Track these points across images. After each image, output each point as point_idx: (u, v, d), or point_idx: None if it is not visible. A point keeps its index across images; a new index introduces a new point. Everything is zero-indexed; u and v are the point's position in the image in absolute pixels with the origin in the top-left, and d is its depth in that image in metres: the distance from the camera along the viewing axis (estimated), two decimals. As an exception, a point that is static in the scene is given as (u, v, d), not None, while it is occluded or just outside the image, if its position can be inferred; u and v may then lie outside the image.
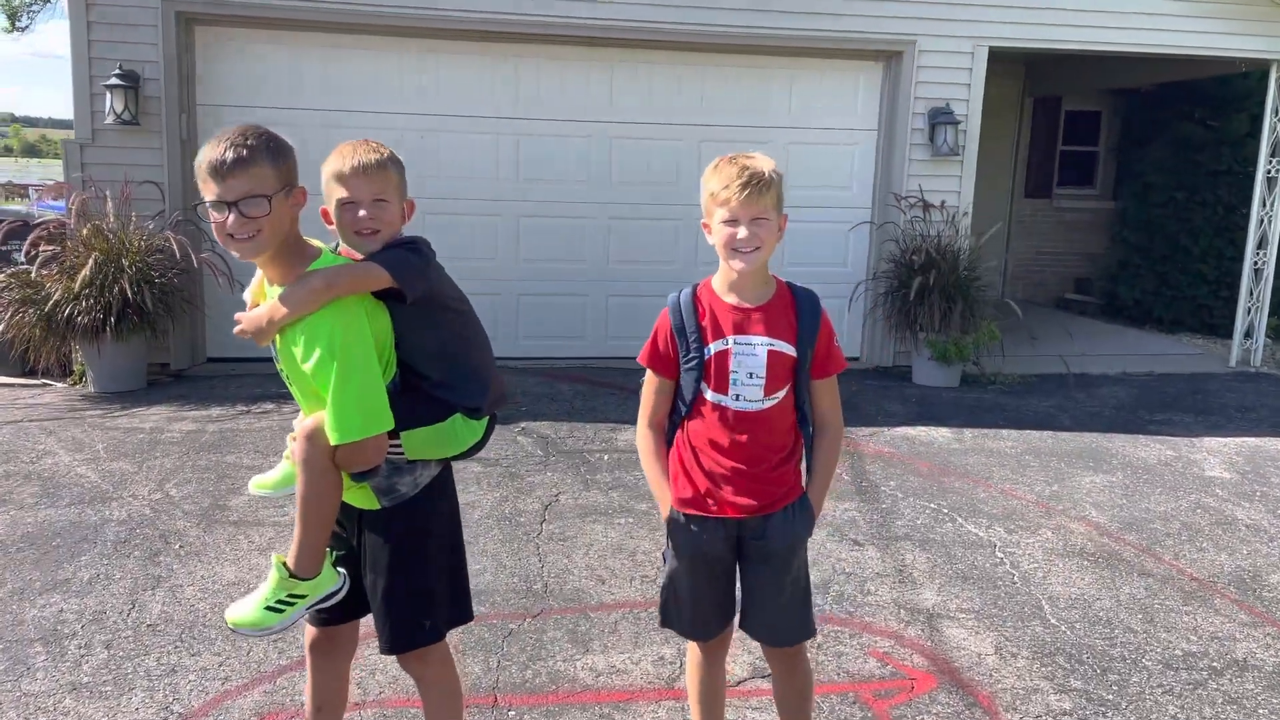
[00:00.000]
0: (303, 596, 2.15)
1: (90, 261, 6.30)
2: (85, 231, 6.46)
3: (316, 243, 2.22)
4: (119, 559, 4.05)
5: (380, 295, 2.18)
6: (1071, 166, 12.12)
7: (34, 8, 22.77)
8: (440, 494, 2.35)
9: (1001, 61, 8.18)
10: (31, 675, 3.17)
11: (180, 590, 3.80)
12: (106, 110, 6.71)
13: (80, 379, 6.75)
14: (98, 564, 3.99)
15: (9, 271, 6.47)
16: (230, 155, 1.99)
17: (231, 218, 2.01)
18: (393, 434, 2.15)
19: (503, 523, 4.52)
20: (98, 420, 6.00)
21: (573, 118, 7.69)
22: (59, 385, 6.75)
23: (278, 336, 2.15)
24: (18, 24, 23.04)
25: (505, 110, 7.59)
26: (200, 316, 7.19)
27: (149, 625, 3.52)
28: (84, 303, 6.27)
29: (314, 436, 2.10)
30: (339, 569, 2.25)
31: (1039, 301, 11.86)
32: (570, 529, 4.53)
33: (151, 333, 6.63)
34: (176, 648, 3.38)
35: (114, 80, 6.65)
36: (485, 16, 7.17)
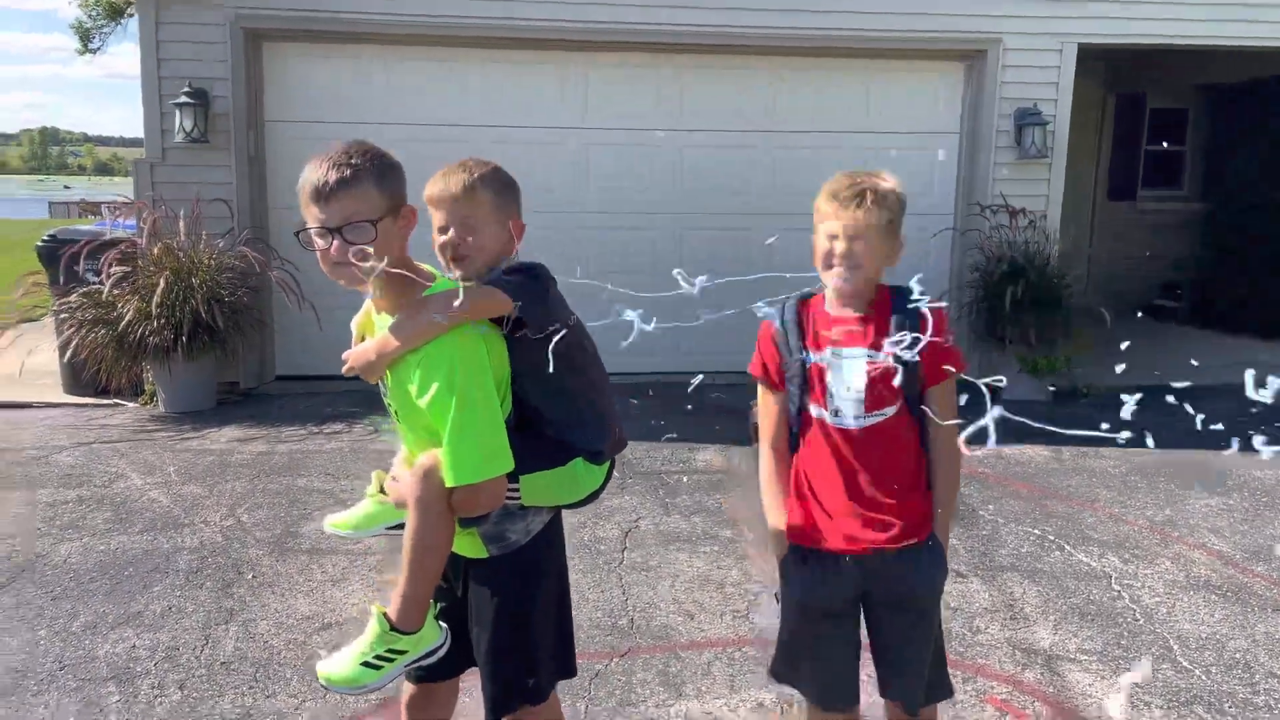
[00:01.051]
0: (403, 652, 1.95)
1: (162, 281, 6.26)
2: (156, 251, 6.43)
3: (428, 267, 2.03)
4: (191, 590, 3.93)
5: (496, 325, 2.00)
6: (1156, 167, 11.60)
7: (105, 30, 23.32)
8: (550, 543, 2.15)
9: (1082, 59, 7.80)
10: (104, 719, 3.04)
11: (254, 624, 3.65)
12: (176, 129, 6.69)
13: (151, 399, 6.73)
14: (170, 595, 3.88)
15: (81, 291, 6.46)
16: (333, 176, 1.81)
17: (336, 244, 1.83)
18: (510, 477, 1.96)
19: (582, 551, 4.32)
20: (168, 442, 5.94)
21: (642, 125, 7.50)
22: (130, 405, 6.73)
23: (387, 370, 1.97)
24: (89, 45, 23.63)
25: (574, 119, 7.43)
26: (269, 334, 7.13)
27: (222, 663, 3.38)
28: (155, 322, 6.23)
29: (431, 476, 1.91)
30: (441, 623, 2.05)
31: (1123, 308, 11.35)
32: (653, 558, 4.32)
33: (221, 352, 6.57)
34: (251, 688, 3.23)
35: (183, 98, 6.63)
36: (546, 24, 7.03)
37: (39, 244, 6.92)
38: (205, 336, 6.37)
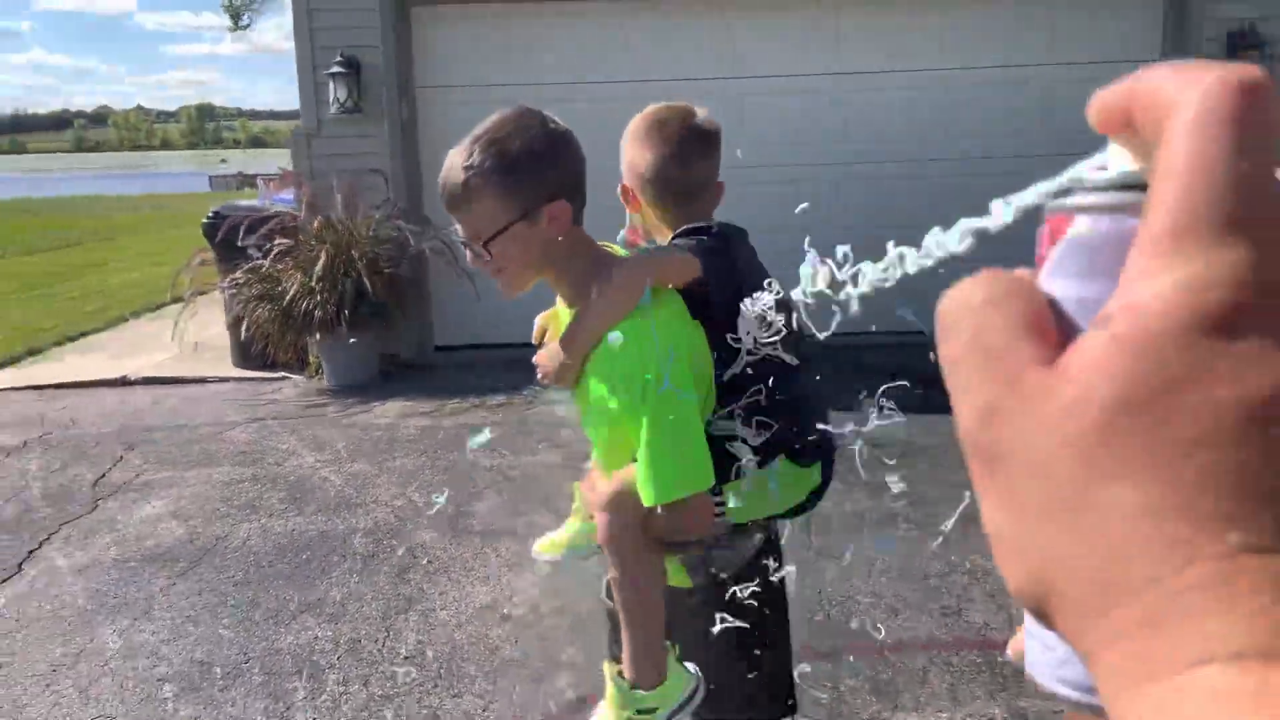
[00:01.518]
0: (654, 710, 1.68)
1: (323, 255, 6.26)
2: (316, 224, 6.42)
3: (614, 248, 1.74)
4: (368, 575, 3.84)
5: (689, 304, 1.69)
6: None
7: (253, 6, 24.09)
8: (767, 570, 1.84)
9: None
10: (291, 717, 2.95)
11: (433, 614, 3.52)
12: (330, 99, 6.64)
13: (316, 372, 6.78)
14: (348, 581, 3.79)
15: (246, 267, 6.52)
16: (448, 185, 1.54)
17: (470, 255, 1.61)
18: (712, 489, 1.64)
19: (765, 535, 4.03)
20: (336, 416, 5.95)
21: (801, 71, 7.03)
22: (297, 378, 6.80)
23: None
24: (240, 23, 24.49)
25: (731, 69, 7.03)
26: (428, 305, 7.08)
27: (405, 657, 3.25)
28: (317, 296, 6.24)
29: (618, 506, 1.62)
30: (688, 665, 1.76)
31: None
32: (842, 542, 3.98)
33: (382, 324, 6.54)
34: (436, 686, 3.09)
35: (336, 68, 6.56)
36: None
37: (204, 221, 7.03)
38: (366, 309, 6.34)
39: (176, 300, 6.98)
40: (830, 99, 7.07)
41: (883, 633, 3.30)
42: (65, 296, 11.04)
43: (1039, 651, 0.30)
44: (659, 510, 1.58)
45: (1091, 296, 0.27)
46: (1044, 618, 0.25)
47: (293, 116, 7.08)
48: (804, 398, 1.79)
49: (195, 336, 7.06)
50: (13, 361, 7.71)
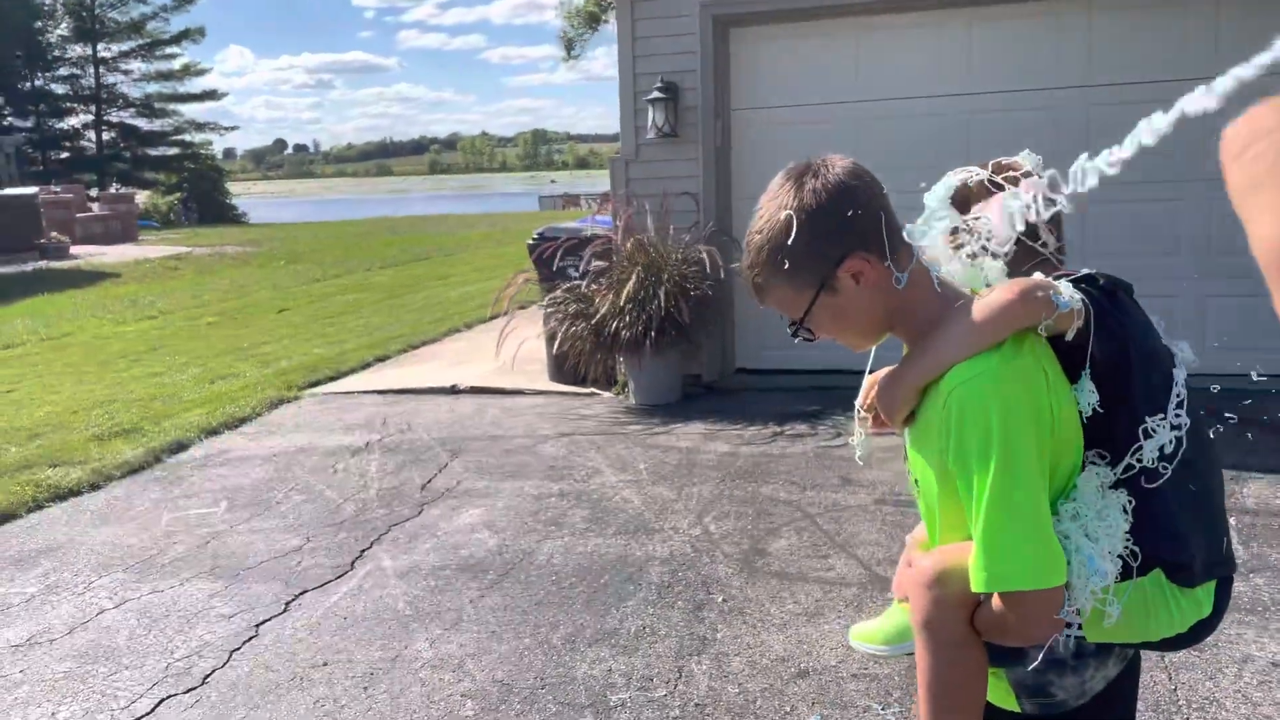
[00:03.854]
0: None
1: (633, 277, 6.37)
2: (629, 246, 6.56)
3: (976, 293, 1.46)
4: (663, 609, 3.76)
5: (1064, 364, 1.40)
6: None
7: (584, 37, 25.73)
8: (1116, 714, 1.49)
9: None
10: (582, 753, 2.91)
11: (726, 660, 3.37)
12: (648, 125, 6.76)
13: (622, 390, 6.92)
14: (643, 612, 3.74)
15: (565, 287, 6.79)
16: (748, 281, 1.48)
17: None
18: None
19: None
20: (639, 436, 6.00)
21: (1151, 78, 6.22)
22: (605, 395, 6.98)
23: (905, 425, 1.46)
24: (572, 53, 26.26)
25: (1068, 79, 6.36)
26: (730, 328, 7.02)
27: (696, 704, 3.12)
28: (627, 316, 6.36)
29: (943, 584, 1.37)
30: None
31: None
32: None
33: (686, 345, 6.56)
34: (726, 740, 2.93)
35: (655, 94, 6.67)
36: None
37: (528, 242, 7.44)
38: (672, 330, 6.38)
39: (498, 316, 7.40)
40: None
41: (1261, 754, 2.72)
42: (413, 307, 12.21)
43: None
44: (993, 603, 1.32)
45: None
46: None
47: (613, 139, 7.30)
48: (1207, 510, 1.42)
49: (517, 351, 7.45)
50: (365, 366, 8.57)
